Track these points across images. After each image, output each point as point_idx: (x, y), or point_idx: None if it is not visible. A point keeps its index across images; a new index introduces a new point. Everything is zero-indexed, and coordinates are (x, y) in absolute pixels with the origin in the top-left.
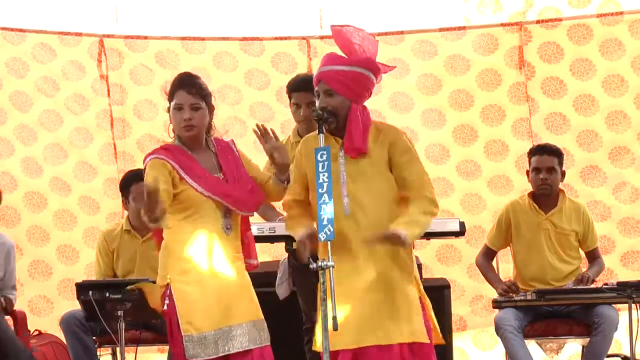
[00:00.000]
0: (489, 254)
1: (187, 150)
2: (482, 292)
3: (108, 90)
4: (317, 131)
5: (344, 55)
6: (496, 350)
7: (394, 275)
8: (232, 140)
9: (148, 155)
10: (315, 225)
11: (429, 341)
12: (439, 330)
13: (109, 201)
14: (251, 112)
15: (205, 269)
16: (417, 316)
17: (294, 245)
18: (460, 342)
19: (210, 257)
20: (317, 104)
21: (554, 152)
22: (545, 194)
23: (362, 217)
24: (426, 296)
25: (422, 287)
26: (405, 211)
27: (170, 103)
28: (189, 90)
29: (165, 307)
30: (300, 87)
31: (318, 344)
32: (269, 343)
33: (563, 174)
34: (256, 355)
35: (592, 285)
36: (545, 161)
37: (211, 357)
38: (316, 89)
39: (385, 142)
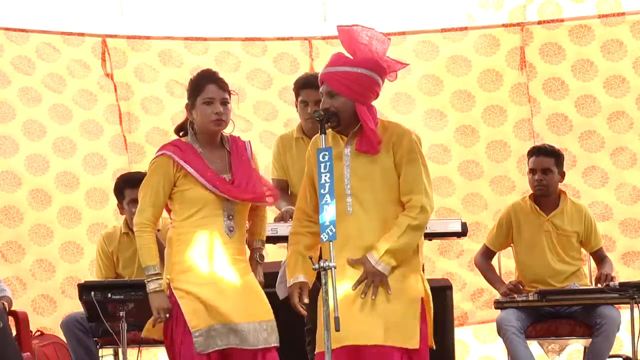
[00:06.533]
0: (487, 254)
1: (197, 148)
2: (482, 285)
3: (115, 87)
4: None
5: (349, 55)
6: (496, 344)
7: (396, 275)
8: (249, 142)
9: (158, 150)
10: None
11: (417, 347)
12: (431, 335)
13: None
14: (254, 111)
15: (205, 270)
16: (414, 320)
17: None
18: (461, 334)
19: (211, 259)
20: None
21: (550, 153)
22: (541, 194)
23: (364, 216)
24: (430, 298)
25: (428, 288)
26: (390, 230)
27: (195, 98)
28: (219, 85)
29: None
30: (308, 84)
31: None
32: (277, 345)
33: (563, 174)
34: (261, 356)
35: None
36: (541, 162)
37: (221, 348)
38: (320, 90)
39: (390, 141)
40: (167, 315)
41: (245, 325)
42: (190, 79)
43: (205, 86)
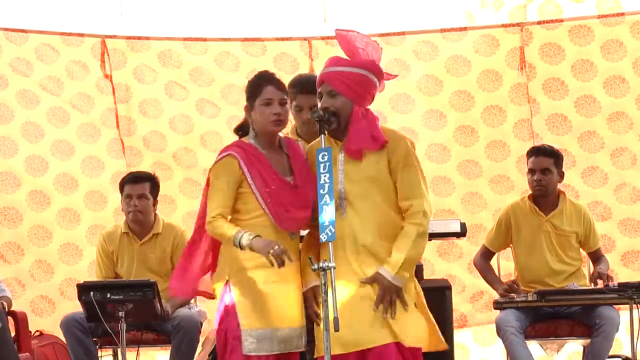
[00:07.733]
0: (487, 255)
1: (261, 149)
2: (482, 288)
3: (113, 89)
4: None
5: (347, 58)
6: (496, 347)
7: None
8: (302, 144)
9: (222, 151)
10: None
11: (419, 345)
12: (440, 335)
13: (116, 195)
14: None
15: (267, 271)
16: (420, 318)
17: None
18: (460, 337)
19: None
20: (319, 105)
21: (549, 153)
22: (540, 194)
23: (357, 220)
24: (423, 300)
25: (420, 291)
26: (397, 240)
27: (253, 99)
28: (277, 85)
29: (226, 303)
30: (304, 89)
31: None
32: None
33: (562, 175)
34: (293, 358)
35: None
36: (540, 162)
37: (266, 354)
38: (319, 90)
39: (386, 147)
40: (277, 246)
41: (289, 330)
42: (248, 81)
43: (264, 87)
